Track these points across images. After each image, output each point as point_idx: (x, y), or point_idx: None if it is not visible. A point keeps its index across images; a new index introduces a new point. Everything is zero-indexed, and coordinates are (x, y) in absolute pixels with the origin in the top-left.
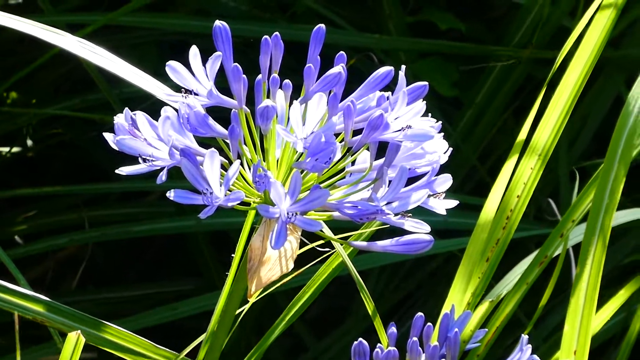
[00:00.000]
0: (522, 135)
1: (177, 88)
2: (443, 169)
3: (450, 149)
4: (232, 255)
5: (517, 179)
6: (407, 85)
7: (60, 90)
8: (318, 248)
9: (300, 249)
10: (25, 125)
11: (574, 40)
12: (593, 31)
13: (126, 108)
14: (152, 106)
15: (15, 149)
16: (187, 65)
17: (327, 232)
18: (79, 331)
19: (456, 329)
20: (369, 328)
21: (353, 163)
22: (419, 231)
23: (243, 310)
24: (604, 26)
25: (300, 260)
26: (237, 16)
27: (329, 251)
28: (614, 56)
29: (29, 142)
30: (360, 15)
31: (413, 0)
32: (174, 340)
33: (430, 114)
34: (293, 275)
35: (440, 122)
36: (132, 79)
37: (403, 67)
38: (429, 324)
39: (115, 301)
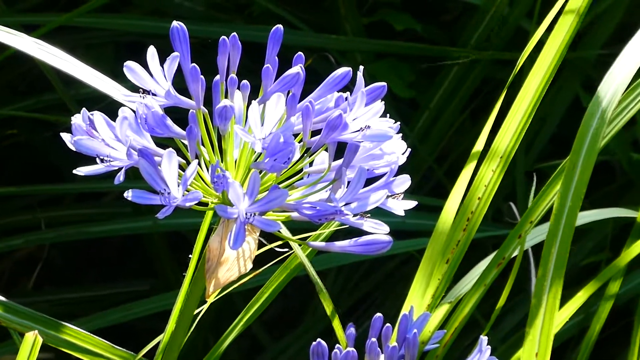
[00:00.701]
0: (483, 137)
1: (133, 89)
2: (401, 170)
3: (409, 150)
4: (190, 256)
5: (479, 181)
6: (365, 86)
7: (17, 91)
8: (276, 249)
9: (258, 249)
10: None
11: (535, 43)
12: (556, 35)
13: (84, 108)
14: (109, 106)
15: None
16: (144, 65)
17: (286, 232)
18: (36, 331)
19: (415, 330)
20: (327, 328)
21: (311, 164)
22: (378, 232)
23: (201, 310)
24: (567, 30)
25: (258, 261)
26: (194, 17)
27: (287, 252)
28: (571, 57)
29: None
30: (317, 16)
31: (369, 1)
32: (129, 341)
33: (387, 115)
34: (251, 275)
35: (398, 123)
36: (89, 80)
37: (361, 67)
38: (388, 324)
39: (72, 302)
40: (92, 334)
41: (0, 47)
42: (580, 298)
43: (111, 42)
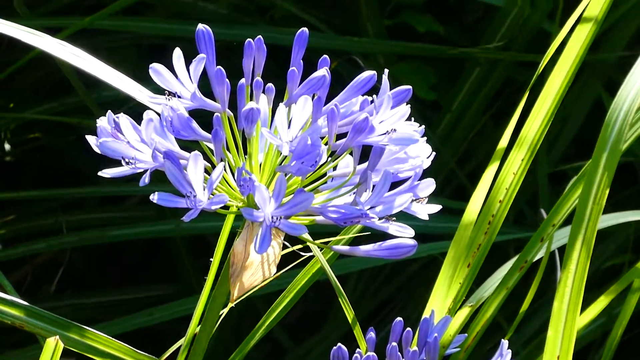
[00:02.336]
0: (504, 139)
1: (157, 91)
2: (423, 173)
3: (433, 152)
4: (211, 259)
5: (500, 184)
6: (390, 89)
7: (39, 94)
8: (299, 252)
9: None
10: (3, 130)
11: (557, 45)
12: (576, 38)
13: (109, 111)
14: (131, 110)
15: None
16: (168, 68)
17: (307, 237)
18: (57, 336)
19: (435, 334)
20: (349, 332)
21: (335, 168)
22: (403, 235)
23: (222, 313)
24: (587, 32)
25: (279, 264)
26: (216, 20)
27: (309, 255)
28: (592, 60)
29: (7, 147)
30: (339, 18)
31: (391, 3)
32: (149, 346)
33: (412, 118)
34: (272, 277)
35: (423, 126)
36: (113, 82)
37: (386, 70)
38: (408, 328)
39: (94, 306)
40: (114, 339)
41: (21, 51)
42: (602, 301)
43: (133, 45)
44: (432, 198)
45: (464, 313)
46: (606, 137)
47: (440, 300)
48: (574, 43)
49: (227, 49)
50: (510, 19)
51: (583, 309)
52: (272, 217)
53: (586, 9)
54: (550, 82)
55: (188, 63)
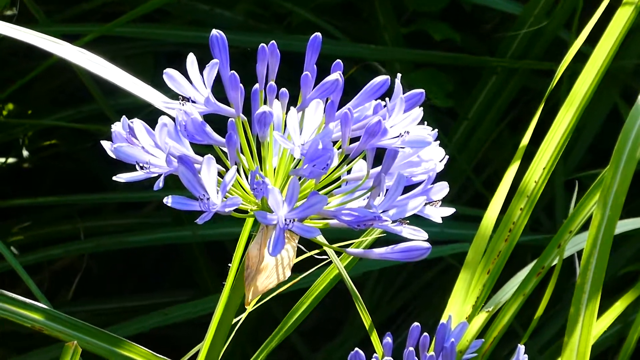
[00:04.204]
0: (522, 146)
1: (175, 97)
2: (438, 179)
3: (447, 158)
4: (229, 264)
5: (521, 191)
6: (404, 94)
7: (56, 101)
8: (315, 256)
9: (296, 257)
10: (21, 136)
11: (574, 54)
12: (600, 48)
13: (124, 116)
14: (148, 116)
15: (10, 160)
16: (184, 74)
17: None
18: (76, 341)
19: (452, 339)
20: (365, 339)
21: (349, 172)
22: (417, 238)
23: (240, 319)
24: (612, 45)
25: (294, 270)
26: (233, 26)
27: (325, 259)
28: (609, 67)
29: (25, 153)
30: (356, 26)
31: (408, 11)
32: (166, 351)
33: (425, 123)
34: (290, 284)
35: (436, 130)
36: (131, 88)
37: (399, 75)
38: (425, 334)
39: (111, 312)
40: (133, 342)
41: (39, 58)
42: (618, 307)
43: (151, 52)
44: (448, 204)
45: (481, 318)
46: (624, 144)
47: (458, 305)
48: (597, 54)
49: (243, 55)
50: (526, 27)
51: (598, 315)
52: (285, 220)
53: (608, 17)
54: (575, 91)
55: (204, 69)
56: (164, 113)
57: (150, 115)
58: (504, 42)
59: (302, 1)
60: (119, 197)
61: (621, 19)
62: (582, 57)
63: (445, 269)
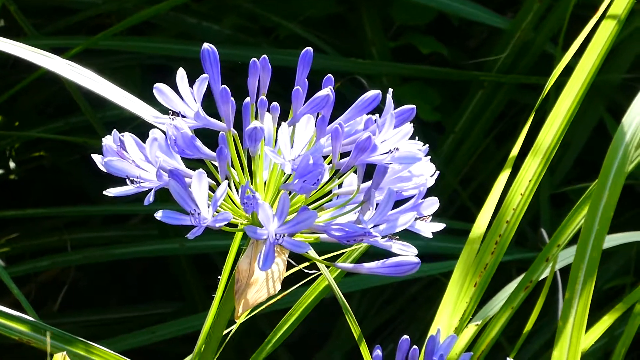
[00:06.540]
0: (512, 157)
1: (163, 111)
2: (427, 193)
3: (437, 172)
4: (217, 277)
5: (507, 204)
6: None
7: (44, 113)
8: (303, 270)
9: (286, 270)
10: (8, 148)
11: (562, 68)
12: (585, 62)
13: (114, 130)
14: (136, 129)
15: None
16: (173, 88)
17: (313, 254)
18: (65, 352)
19: (441, 353)
20: (352, 351)
21: (340, 186)
22: (406, 254)
23: (230, 332)
24: (595, 58)
25: (284, 283)
26: (220, 40)
27: (314, 273)
28: (595, 81)
29: (12, 165)
30: (343, 40)
31: (395, 25)
32: None
33: (415, 138)
34: (278, 297)
35: (427, 145)
36: (120, 102)
37: (390, 90)
38: (415, 347)
39: (97, 324)
40: (120, 355)
41: (27, 70)
42: (606, 321)
43: (137, 65)
44: (435, 218)
45: (469, 332)
46: (612, 158)
47: (446, 318)
48: (582, 66)
49: (231, 69)
50: (513, 41)
51: (586, 330)
52: (275, 235)
53: (595, 32)
54: (559, 105)
55: (192, 83)
56: (152, 126)
57: (138, 128)
58: (491, 56)
59: (290, 14)
60: (105, 210)
61: (604, 32)
62: (569, 72)
63: (430, 283)
